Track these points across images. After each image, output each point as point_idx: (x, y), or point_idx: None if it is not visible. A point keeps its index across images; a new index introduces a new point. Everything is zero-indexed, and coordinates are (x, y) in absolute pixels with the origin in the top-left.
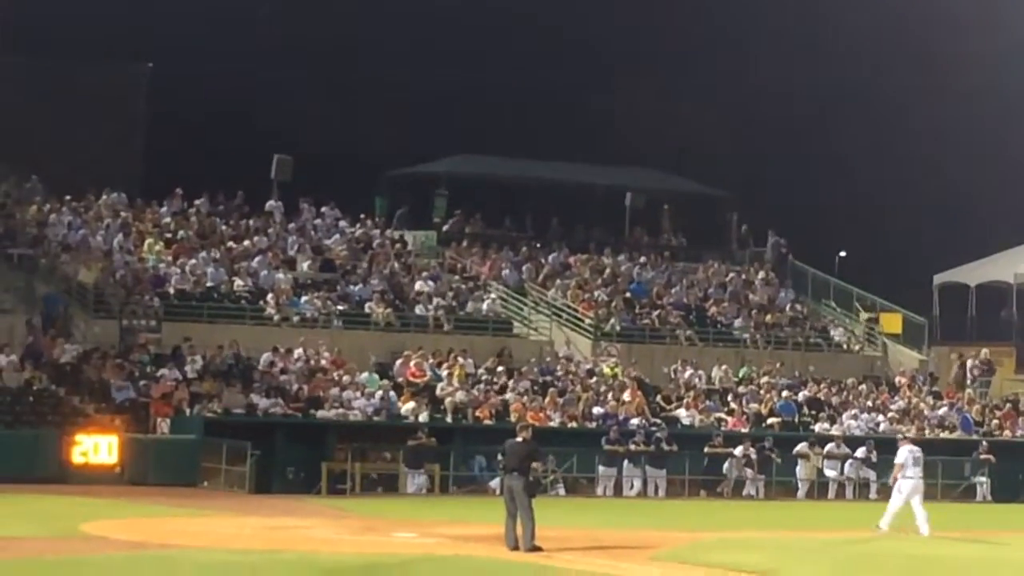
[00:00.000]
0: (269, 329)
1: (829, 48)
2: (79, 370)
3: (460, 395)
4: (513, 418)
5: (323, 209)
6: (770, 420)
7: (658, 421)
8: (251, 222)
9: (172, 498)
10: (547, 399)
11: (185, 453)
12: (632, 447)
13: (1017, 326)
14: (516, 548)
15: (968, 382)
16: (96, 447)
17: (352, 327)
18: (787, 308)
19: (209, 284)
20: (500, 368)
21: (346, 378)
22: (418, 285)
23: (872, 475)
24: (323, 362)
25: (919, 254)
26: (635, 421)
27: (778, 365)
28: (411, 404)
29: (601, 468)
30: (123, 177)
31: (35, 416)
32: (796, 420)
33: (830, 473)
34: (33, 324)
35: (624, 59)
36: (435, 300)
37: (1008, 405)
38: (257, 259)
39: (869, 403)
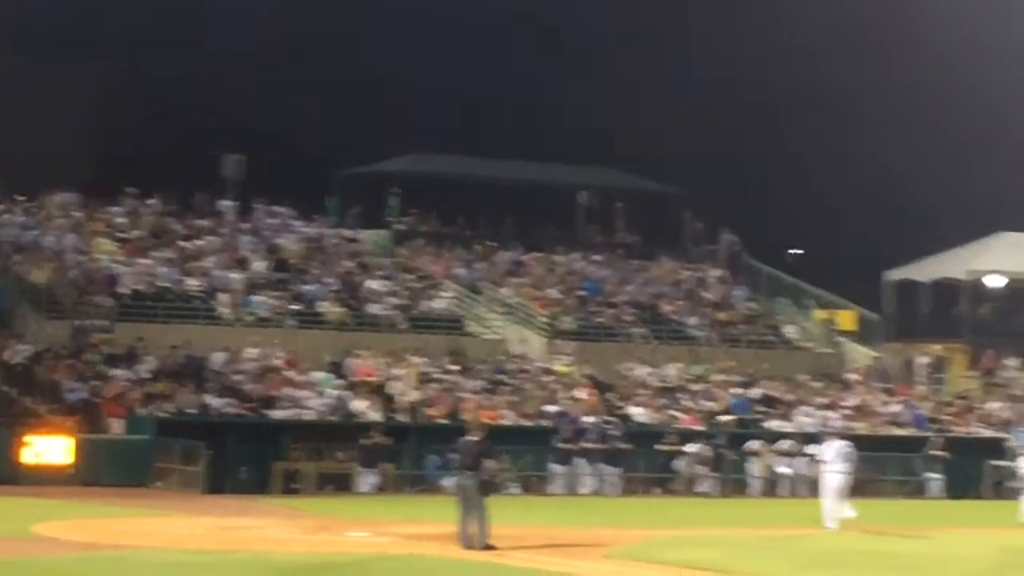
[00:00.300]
0: (222, 329)
1: (783, 45)
2: (31, 371)
3: (414, 394)
4: (466, 417)
5: (276, 208)
6: (723, 417)
7: (612, 419)
8: (204, 222)
9: (125, 498)
10: (501, 397)
11: (138, 453)
12: (586, 445)
13: (969, 323)
14: (470, 547)
15: (921, 379)
16: (48, 448)
17: (305, 326)
18: (740, 306)
19: (162, 284)
20: (454, 367)
21: (299, 377)
22: (372, 284)
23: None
24: (276, 361)
25: (872, 251)
26: (589, 419)
27: (732, 363)
28: (365, 403)
29: (555, 466)
30: (75, 177)
31: None
32: (749, 417)
33: (783, 470)
34: None
35: (576, 57)
36: (389, 299)
37: (961, 401)
38: (210, 259)
39: (822, 400)
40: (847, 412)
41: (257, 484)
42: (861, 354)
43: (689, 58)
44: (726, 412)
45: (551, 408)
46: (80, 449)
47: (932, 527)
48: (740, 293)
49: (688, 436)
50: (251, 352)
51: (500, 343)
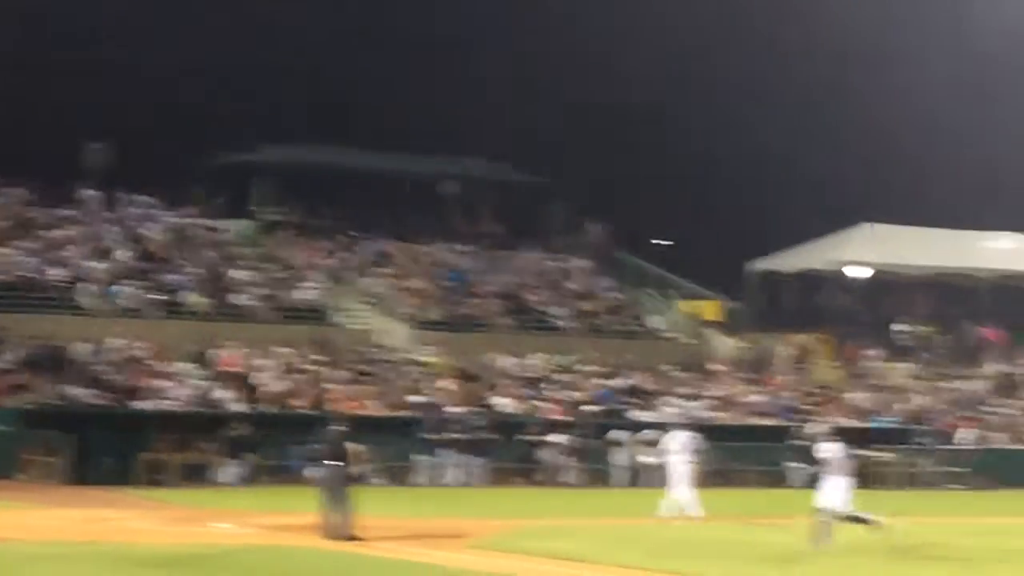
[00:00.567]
0: (86, 319)
1: (650, 38)
2: None
3: (278, 384)
4: (331, 407)
5: (141, 198)
6: (587, 408)
7: (476, 409)
8: (67, 211)
9: None
10: (366, 388)
11: (1, 445)
12: (450, 436)
13: (832, 313)
14: (334, 537)
15: (785, 369)
16: None
17: (169, 316)
18: (605, 296)
19: (24, 274)
20: (319, 357)
21: (163, 368)
22: (236, 274)
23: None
24: (140, 352)
25: (737, 242)
26: (453, 409)
27: (596, 353)
28: (228, 394)
29: (419, 457)
30: None
31: None
32: (613, 408)
33: (646, 460)
34: None
35: (443, 47)
36: (253, 289)
37: (823, 392)
38: (73, 249)
39: (686, 390)
40: (711, 402)
41: (121, 475)
42: (725, 345)
43: (559, 48)
44: (590, 402)
45: (416, 399)
46: None
47: (794, 516)
48: (605, 283)
49: (552, 426)
50: (115, 342)
51: (365, 333)
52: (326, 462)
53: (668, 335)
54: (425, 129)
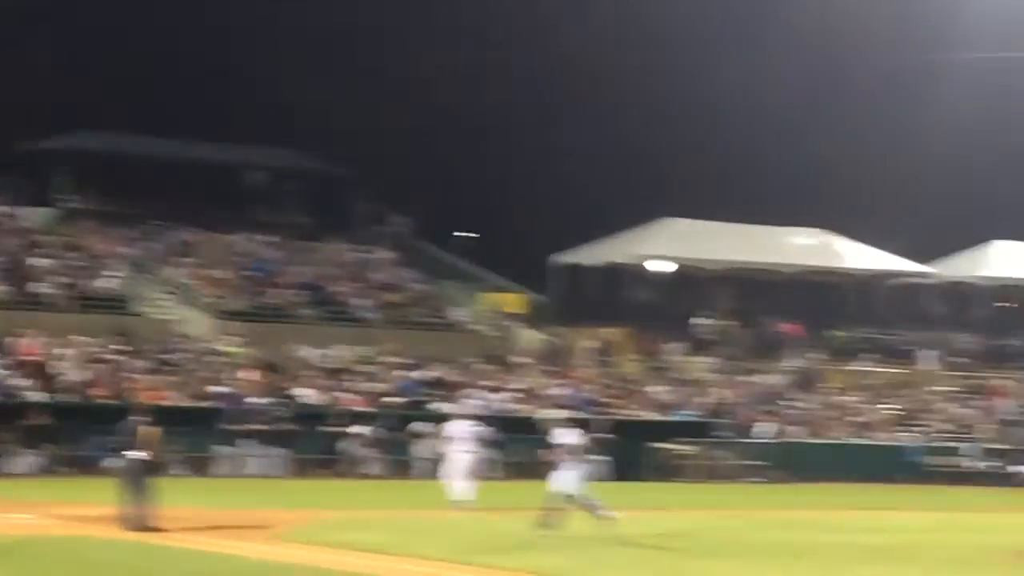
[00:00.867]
0: None
1: (453, 35)
2: None
3: (78, 374)
4: (132, 397)
5: None
6: (391, 399)
7: (279, 400)
8: None
9: None
10: (167, 378)
11: None
12: (252, 426)
13: (634, 307)
14: (134, 528)
15: (587, 362)
16: None
17: None
18: (410, 288)
19: None
20: (120, 347)
21: None
22: (36, 263)
23: (492, 454)
24: None
25: (541, 236)
26: (256, 400)
27: (399, 345)
28: (27, 382)
29: (221, 447)
30: None
31: None
32: (417, 399)
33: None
34: None
35: (247, 36)
36: (54, 278)
37: (624, 385)
38: None
39: (489, 383)
40: (514, 395)
41: None
42: (529, 337)
43: (364, 46)
44: (393, 394)
45: (218, 389)
46: None
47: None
48: (409, 275)
49: (355, 417)
50: None
51: (167, 323)
52: (126, 452)
53: (471, 327)
54: (231, 119)
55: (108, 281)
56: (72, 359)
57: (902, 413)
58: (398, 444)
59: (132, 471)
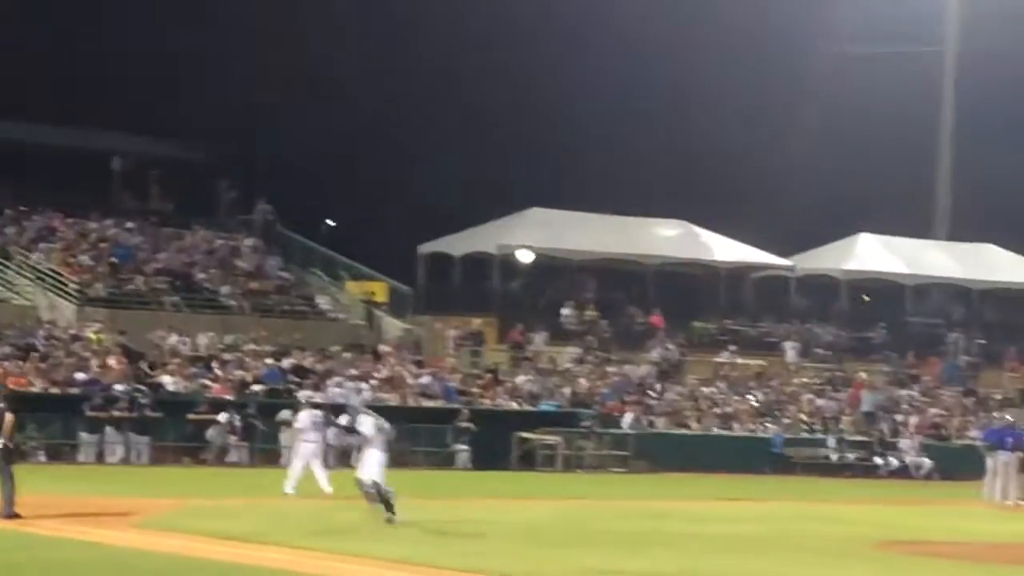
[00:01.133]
0: None
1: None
2: None
3: None
4: None
5: None
6: (255, 387)
7: (142, 387)
8: None
9: None
10: (29, 364)
11: None
12: (115, 413)
13: (499, 297)
14: None
15: (451, 351)
16: None
17: None
18: (274, 276)
19: None
20: None
21: None
22: None
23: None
24: None
25: (406, 224)
26: (119, 387)
27: (264, 333)
28: None
29: (83, 434)
30: None
31: None
32: (281, 387)
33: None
34: None
35: (114, 21)
36: None
37: (489, 375)
38: None
39: (354, 371)
40: (378, 383)
41: None
42: (393, 326)
43: (233, 29)
44: (258, 382)
45: (81, 376)
46: None
47: (460, 498)
48: (274, 263)
49: (219, 405)
50: None
51: (30, 309)
52: None
53: (336, 316)
54: (96, 104)
55: None
56: None
57: (766, 404)
58: (264, 432)
59: None
